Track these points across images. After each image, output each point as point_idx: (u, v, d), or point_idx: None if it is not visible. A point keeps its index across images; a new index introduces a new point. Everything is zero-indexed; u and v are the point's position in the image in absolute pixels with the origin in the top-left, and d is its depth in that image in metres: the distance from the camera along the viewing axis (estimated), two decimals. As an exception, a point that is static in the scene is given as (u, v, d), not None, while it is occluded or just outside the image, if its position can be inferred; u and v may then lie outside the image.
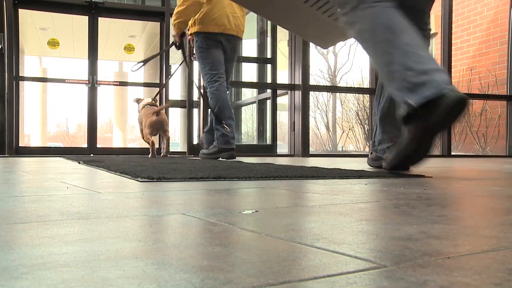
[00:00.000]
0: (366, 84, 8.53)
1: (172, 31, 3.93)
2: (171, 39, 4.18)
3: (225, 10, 3.80)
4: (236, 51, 4.02)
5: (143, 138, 4.51)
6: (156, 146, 4.77)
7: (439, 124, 1.79)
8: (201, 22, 3.74)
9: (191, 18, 3.74)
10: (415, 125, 1.84)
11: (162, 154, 4.72)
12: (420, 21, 2.21)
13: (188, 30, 3.87)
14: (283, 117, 7.40)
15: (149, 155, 4.52)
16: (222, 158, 3.93)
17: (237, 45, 4.07)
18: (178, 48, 3.93)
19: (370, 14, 1.98)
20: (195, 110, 6.10)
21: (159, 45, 6.60)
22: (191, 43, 3.92)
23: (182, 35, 3.86)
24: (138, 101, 4.81)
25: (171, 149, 5.52)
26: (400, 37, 1.90)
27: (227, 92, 3.95)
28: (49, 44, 7.41)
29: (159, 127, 4.32)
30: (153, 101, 4.55)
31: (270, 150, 6.55)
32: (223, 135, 3.89)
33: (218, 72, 3.77)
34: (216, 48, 3.81)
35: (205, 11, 3.75)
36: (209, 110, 3.97)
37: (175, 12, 3.77)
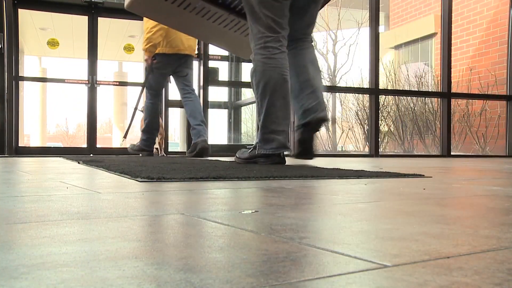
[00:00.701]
0: (365, 84, 8.53)
1: (144, 56, 4.41)
2: None
3: (179, 34, 4.19)
4: (190, 66, 4.68)
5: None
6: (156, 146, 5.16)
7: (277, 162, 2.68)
8: (163, 44, 4.31)
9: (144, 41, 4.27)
10: (257, 158, 2.73)
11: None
12: (304, 33, 2.79)
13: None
14: (282, 117, 7.40)
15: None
16: (142, 154, 4.73)
17: (190, 62, 4.72)
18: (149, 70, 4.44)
19: (260, 64, 2.57)
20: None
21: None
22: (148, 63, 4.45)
23: (153, 58, 4.36)
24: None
25: (171, 149, 5.57)
26: (274, 96, 2.56)
27: (193, 99, 4.63)
28: (48, 44, 7.41)
29: None
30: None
31: (269, 150, 6.54)
32: (147, 140, 4.67)
33: (160, 90, 4.59)
34: (165, 69, 4.45)
35: (166, 36, 4.33)
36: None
37: (145, 38, 4.25)
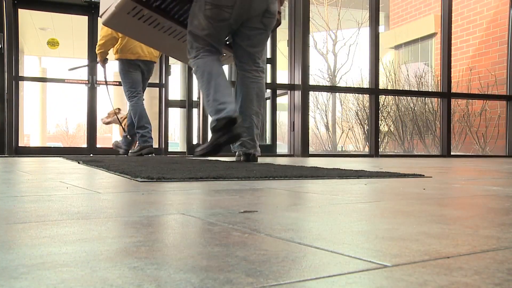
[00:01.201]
0: (365, 84, 8.53)
1: (98, 58, 5.03)
2: None
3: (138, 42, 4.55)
4: (151, 72, 5.06)
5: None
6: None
7: (225, 141, 2.92)
8: (121, 51, 4.79)
9: (113, 48, 4.85)
10: (217, 132, 2.91)
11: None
12: (253, 61, 3.18)
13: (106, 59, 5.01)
14: (282, 117, 7.41)
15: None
16: (143, 153, 4.97)
17: (151, 68, 5.09)
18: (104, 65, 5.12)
19: (201, 62, 3.02)
20: (195, 110, 6.10)
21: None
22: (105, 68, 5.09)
23: (104, 60, 4.97)
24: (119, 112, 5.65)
25: (172, 149, 5.63)
26: (215, 80, 2.94)
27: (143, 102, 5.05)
28: (48, 44, 7.41)
29: None
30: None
31: (269, 150, 6.55)
32: (142, 136, 4.93)
33: (136, 90, 4.85)
34: (135, 71, 4.87)
35: (124, 42, 4.79)
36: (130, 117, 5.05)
37: (97, 45, 4.82)
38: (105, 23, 3.38)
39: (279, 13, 3.30)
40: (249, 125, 3.10)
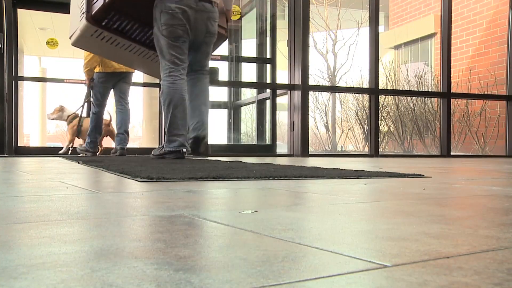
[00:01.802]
0: (365, 84, 8.53)
1: (84, 77, 5.31)
2: None
3: None
4: (129, 82, 5.32)
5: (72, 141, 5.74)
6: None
7: (173, 156, 3.56)
8: (100, 65, 5.08)
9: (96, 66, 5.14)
10: (166, 154, 3.59)
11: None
12: (200, 67, 3.70)
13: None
14: (282, 117, 7.41)
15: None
16: (86, 154, 5.25)
17: (129, 78, 5.31)
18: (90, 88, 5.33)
19: (167, 89, 3.51)
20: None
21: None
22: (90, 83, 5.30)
23: (91, 80, 5.21)
24: (62, 110, 5.75)
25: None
26: (173, 111, 3.49)
27: (127, 107, 5.38)
28: (48, 44, 7.40)
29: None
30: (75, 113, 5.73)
31: (269, 150, 6.55)
32: (91, 143, 5.27)
33: (103, 102, 5.22)
34: (108, 84, 5.16)
35: (102, 58, 5.04)
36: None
37: (83, 64, 5.11)
38: (74, 44, 3.82)
39: (225, 28, 3.93)
40: (199, 113, 3.65)
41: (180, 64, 3.49)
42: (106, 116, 5.48)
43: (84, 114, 5.62)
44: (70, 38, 3.78)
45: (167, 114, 3.53)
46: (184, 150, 3.54)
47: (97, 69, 5.12)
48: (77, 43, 3.70)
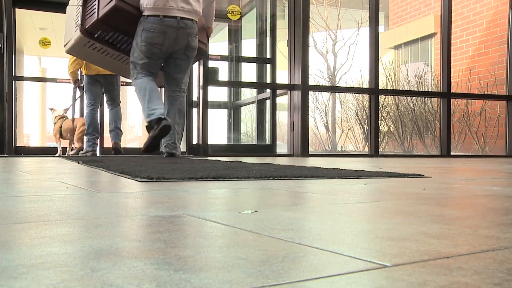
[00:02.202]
0: (365, 84, 8.53)
1: (70, 80, 5.59)
2: None
3: None
4: (113, 84, 5.48)
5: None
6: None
7: (158, 133, 3.72)
8: (85, 68, 5.33)
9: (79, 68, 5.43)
10: (150, 129, 3.77)
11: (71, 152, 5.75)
12: (177, 84, 4.07)
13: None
14: (282, 117, 7.41)
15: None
16: (87, 155, 5.36)
17: (111, 79, 5.44)
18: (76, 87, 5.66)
19: (139, 82, 3.87)
20: (195, 110, 6.10)
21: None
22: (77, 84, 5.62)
23: (76, 81, 5.51)
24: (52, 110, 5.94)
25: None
26: (149, 93, 3.78)
27: (116, 108, 5.62)
28: (40, 44, 7.40)
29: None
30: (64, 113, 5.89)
31: (269, 150, 6.55)
32: (89, 141, 5.47)
33: (92, 101, 5.42)
34: (95, 85, 5.38)
35: (85, 62, 5.25)
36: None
37: (68, 66, 5.36)
38: (67, 52, 4.31)
39: (205, 44, 4.31)
40: (172, 132, 3.97)
41: (150, 75, 3.90)
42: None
43: (77, 115, 5.77)
44: (64, 46, 4.24)
45: (143, 97, 3.81)
46: (163, 117, 3.72)
47: (84, 72, 5.40)
48: (71, 51, 4.22)
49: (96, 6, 3.60)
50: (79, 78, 5.55)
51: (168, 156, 4.08)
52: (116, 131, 5.51)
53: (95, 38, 3.74)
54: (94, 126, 5.46)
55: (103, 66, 4.68)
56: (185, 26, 3.67)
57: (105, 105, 5.72)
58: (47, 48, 7.55)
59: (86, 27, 3.67)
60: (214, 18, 4.29)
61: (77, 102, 5.87)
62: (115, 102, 5.56)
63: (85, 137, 5.45)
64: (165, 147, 4.09)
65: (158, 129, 3.65)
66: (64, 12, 4.73)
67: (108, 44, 3.88)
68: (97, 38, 3.76)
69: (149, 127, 3.76)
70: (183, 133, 4.27)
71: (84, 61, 5.16)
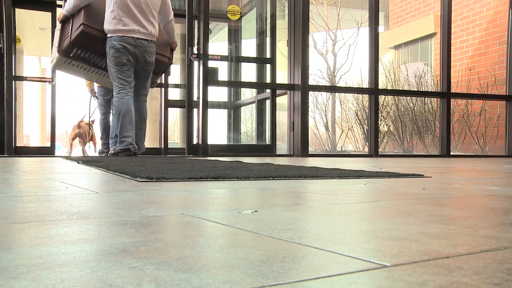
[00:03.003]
0: (365, 84, 8.52)
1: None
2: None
3: None
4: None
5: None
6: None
7: (121, 156, 4.36)
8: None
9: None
10: (118, 152, 4.49)
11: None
12: (140, 92, 4.63)
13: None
14: (282, 117, 7.41)
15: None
16: (105, 155, 5.60)
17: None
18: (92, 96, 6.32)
19: (116, 103, 4.46)
20: (195, 110, 6.10)
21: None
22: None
23: (92, 91, 6.11)
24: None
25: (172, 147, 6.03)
26: (122, 119, 4.41)
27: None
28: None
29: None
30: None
31: (269, 150, 6.55)
32: (103, 144, 5.70)
33: (106, 110, 5.70)
34: (107, 95, 5.56)
35: None
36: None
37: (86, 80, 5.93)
38: (53, 68, 4.95)
39: (168, 57, 4.86)
40: (136, 136, 4.59)
41: (127, 85, 4.45)
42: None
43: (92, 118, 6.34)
44: (51, 62, 4.88)
45: (118, 121, 4.45)
46: (132, 148, 4.48)
47: (98, 84, 5.70)
48: (55, 68, 4.86)
49: (69, 30, 4.34)
50: (94, 89, 5.93)
51: (132, 155, 4.66)
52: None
53: (71, 56, 4.39)
54: (108, 132, 5.71)
55: (89, 79, 5.22)
56: (141, 44, 4.35)
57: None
58: (18, 45, 7.50)
59: (63, 48, 4.35)
60: (175, 33, 4.90)
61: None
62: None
63: (102, 141, 5.81)
64: (121, 144, 4.72)
65: (123, 154, 4.45)
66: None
67: (84, 61, 4.52)
68: (73, 56, 4.40)
69: (118, 151, 4.53)
70: (145, 135, 4.85)
71: None
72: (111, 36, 4.24)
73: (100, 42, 4.33)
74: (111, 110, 5.70)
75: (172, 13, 4.61)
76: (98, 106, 5.84)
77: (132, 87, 4.50)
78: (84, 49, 4.35)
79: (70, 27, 4.30)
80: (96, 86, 5.82)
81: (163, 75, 6.11)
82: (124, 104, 4.40)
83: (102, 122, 5.78)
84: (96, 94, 5.93)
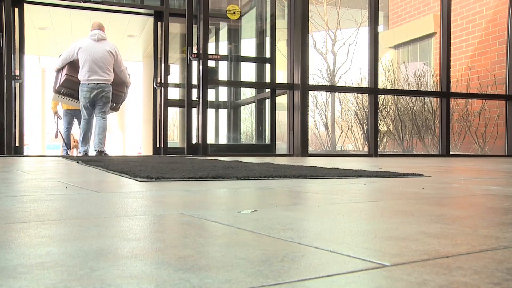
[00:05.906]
0: (365, 84, 8.53)
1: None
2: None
3: None
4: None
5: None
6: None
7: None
8: (62, 105, 7.58)
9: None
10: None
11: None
12: (100, 114, 5.79)
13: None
14: (282, 117, 7.41)
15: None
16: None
17: (79, 111, 6.76)
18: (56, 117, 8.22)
19: (81, 123, 5.97)
20: (194, 110, 6.10)
21: (158, 44, 6.60)
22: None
23: (55, 113, 7.90)
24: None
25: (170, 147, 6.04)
26: (83, 136, 5.88)
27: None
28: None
29: None
30: None
31: (269, 149, 6.55)
32: (85, 146, 6.49)
33: (68, 125, 7.85)
34: (67, 115, 7.70)
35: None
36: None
37: (51, 104, 7.84)
38: (52, 100, 7.17)
39: (123, 92, 6.17)
40: (97, 141, 5.72)
41: (90, 113, 5.87)
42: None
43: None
44: (52, 99, 7.17)
45: (80, 135, 5.89)
46: (86, 153, 5.77)
47: (63, 107, 7.52)
48: (54, 99, 6.84)
49: (60, 77, 5.99)
50: (57, 111, 7.80)
51: (98, 153, 5.66)
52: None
53: (62, 93, 6.04)
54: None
55: (73, 106, 6.73)
56: (99, 87, 5.79)
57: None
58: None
59: (55, 89, 5.98)
60: (128, 76, 6.15)
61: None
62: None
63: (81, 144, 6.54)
64: (94, 147, 5.79)
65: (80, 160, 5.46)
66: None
67: (69, 95, 6.11)
68: (63, 93, 6.05)
69: (83, 152, 5.82)
70: (105, 139, 5.91)
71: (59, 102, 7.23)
72: (82, 83, 5.85)
73: (78, 85, 5.97)
74: (71, 125, 7.63)
75: (122, 66, 6.06)
76: (63, 122, 7.73)
77: (92, 115, 5.96)
78: (68, 89, 6.14)
79: (61, 74, 6.05)
80: (60, 108, 7.68)
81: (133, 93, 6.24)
82: (85, 125, 5.99)
83: (65, 134, 7.74)
84: (59, 115, 7.81)
